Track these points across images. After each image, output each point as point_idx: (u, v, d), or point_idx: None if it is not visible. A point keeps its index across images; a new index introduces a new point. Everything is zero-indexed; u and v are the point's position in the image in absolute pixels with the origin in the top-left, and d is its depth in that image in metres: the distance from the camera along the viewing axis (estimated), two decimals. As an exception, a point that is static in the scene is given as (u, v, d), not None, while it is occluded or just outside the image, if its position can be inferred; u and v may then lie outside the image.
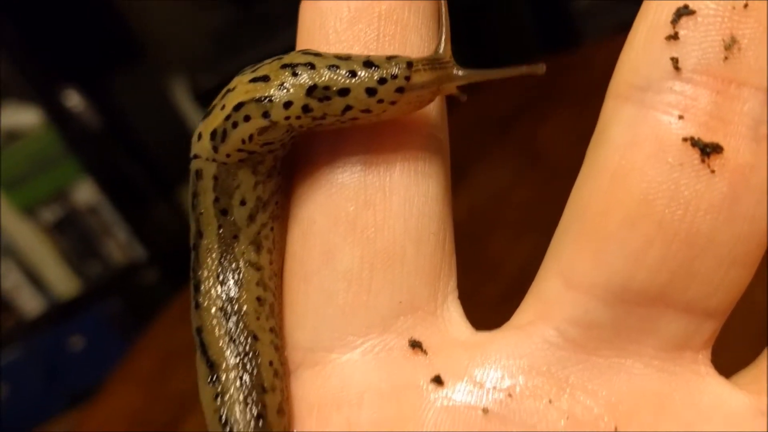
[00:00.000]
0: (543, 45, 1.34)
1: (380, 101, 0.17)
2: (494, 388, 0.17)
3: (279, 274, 0.19)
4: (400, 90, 0.17)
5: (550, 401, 0.17)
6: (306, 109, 0.17)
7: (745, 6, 0.15)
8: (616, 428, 0.17)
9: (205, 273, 0.18)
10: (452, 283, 0.19)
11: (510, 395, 0.17)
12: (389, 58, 0.17)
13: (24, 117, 1.41)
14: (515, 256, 0.61)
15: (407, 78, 0.17)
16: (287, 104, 0.17)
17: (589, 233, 0.17)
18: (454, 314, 0.19)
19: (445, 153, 0.19)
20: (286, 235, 0.19)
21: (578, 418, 0.17)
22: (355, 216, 0.18)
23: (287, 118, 0.17)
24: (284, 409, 0.18)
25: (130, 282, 1.54)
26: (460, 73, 0.18)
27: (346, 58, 0.17)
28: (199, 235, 0.19)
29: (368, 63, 0.17)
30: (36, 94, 1.41)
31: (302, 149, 0.19)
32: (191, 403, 0.79)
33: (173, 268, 1.51)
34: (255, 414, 0.17)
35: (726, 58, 0.16)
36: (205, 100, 1.47)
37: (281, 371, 0.18)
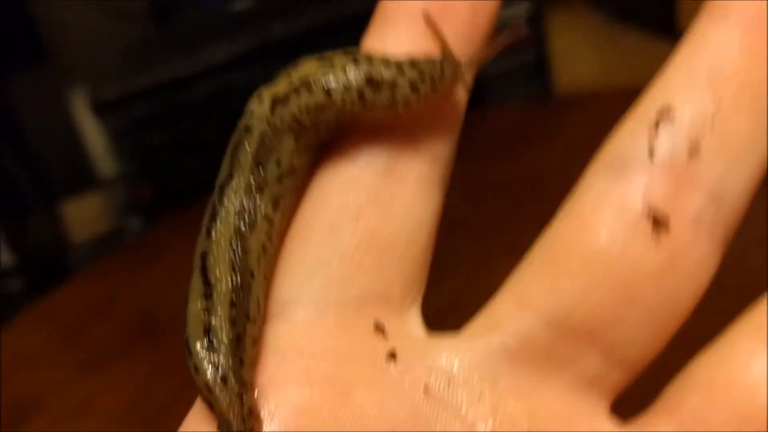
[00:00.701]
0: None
1: (418, 97, 0.20)
2: (438, 373, 0.20)
3: (281, 237, 0.22)
4: (433, 88, 0.21)
5: (480, 395, 0.20)
6: (361, 95, 0.20)
7: (712, 126, 0.20)
8: (529, 428, 0.20)
9: (224, 210, 0.21)
10: (420, 295, 0.22)
11: (449, 383, 0.20)
12: (427, 60, 0.21)
13: None
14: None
15: (441, 77, 0.21)
16: (347, 87, 0.20)
17: (550, 266, 0.20)
18: (415, 317, 0.22)
19: (447, 181, 0.22)
20: (297, 207, 0.22)
21: (501, 414, 0.20)
22: (364, 208, 0.21)
23: (344, 100, 0.20)
24: (257, 343, 0.20)
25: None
26: (468, 62, 0.21)
27: (395, 58, 0.21)
28: (230, 176, 0.21)
29: (413, 63, 0.20)
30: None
31: (334, 142, 0.22)
32: (35, 407, 0.75)
33: (40, 279, 1.44)
34: (236, 335, 0.20)
35: (690, 157, 0.20)
36: (104, 113, 1.43)
37: (263, 311, 0.21)
